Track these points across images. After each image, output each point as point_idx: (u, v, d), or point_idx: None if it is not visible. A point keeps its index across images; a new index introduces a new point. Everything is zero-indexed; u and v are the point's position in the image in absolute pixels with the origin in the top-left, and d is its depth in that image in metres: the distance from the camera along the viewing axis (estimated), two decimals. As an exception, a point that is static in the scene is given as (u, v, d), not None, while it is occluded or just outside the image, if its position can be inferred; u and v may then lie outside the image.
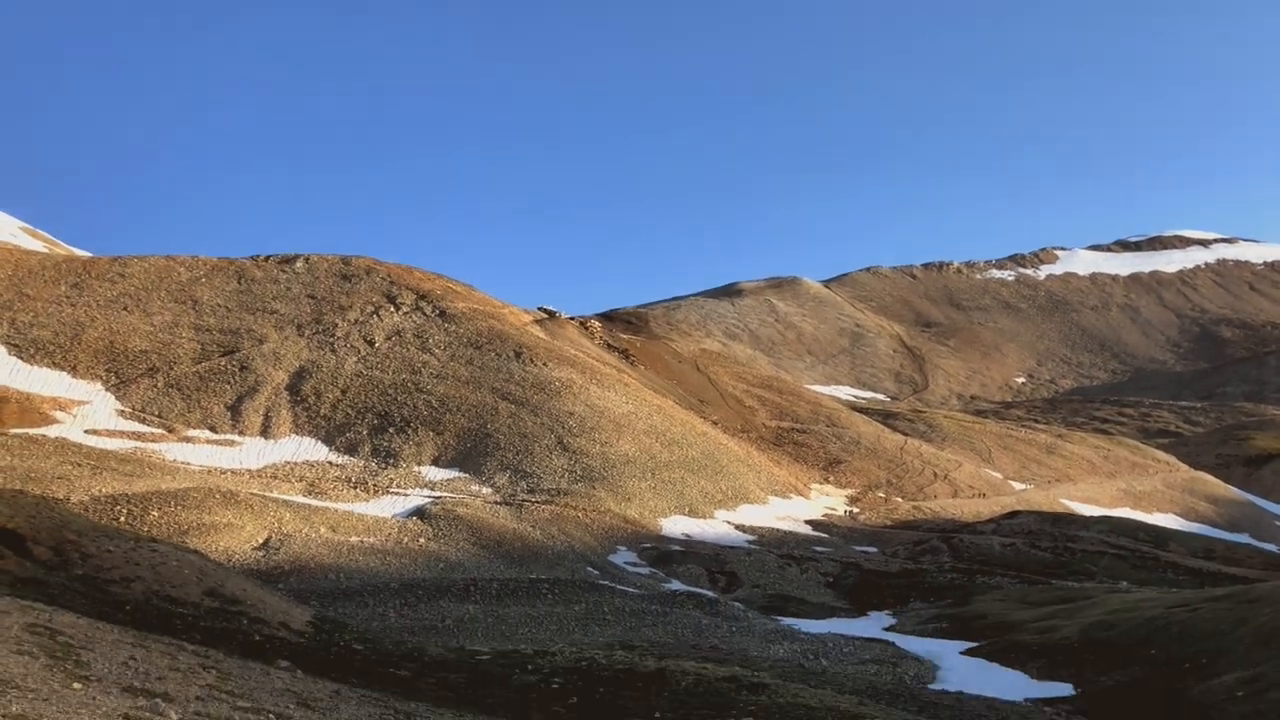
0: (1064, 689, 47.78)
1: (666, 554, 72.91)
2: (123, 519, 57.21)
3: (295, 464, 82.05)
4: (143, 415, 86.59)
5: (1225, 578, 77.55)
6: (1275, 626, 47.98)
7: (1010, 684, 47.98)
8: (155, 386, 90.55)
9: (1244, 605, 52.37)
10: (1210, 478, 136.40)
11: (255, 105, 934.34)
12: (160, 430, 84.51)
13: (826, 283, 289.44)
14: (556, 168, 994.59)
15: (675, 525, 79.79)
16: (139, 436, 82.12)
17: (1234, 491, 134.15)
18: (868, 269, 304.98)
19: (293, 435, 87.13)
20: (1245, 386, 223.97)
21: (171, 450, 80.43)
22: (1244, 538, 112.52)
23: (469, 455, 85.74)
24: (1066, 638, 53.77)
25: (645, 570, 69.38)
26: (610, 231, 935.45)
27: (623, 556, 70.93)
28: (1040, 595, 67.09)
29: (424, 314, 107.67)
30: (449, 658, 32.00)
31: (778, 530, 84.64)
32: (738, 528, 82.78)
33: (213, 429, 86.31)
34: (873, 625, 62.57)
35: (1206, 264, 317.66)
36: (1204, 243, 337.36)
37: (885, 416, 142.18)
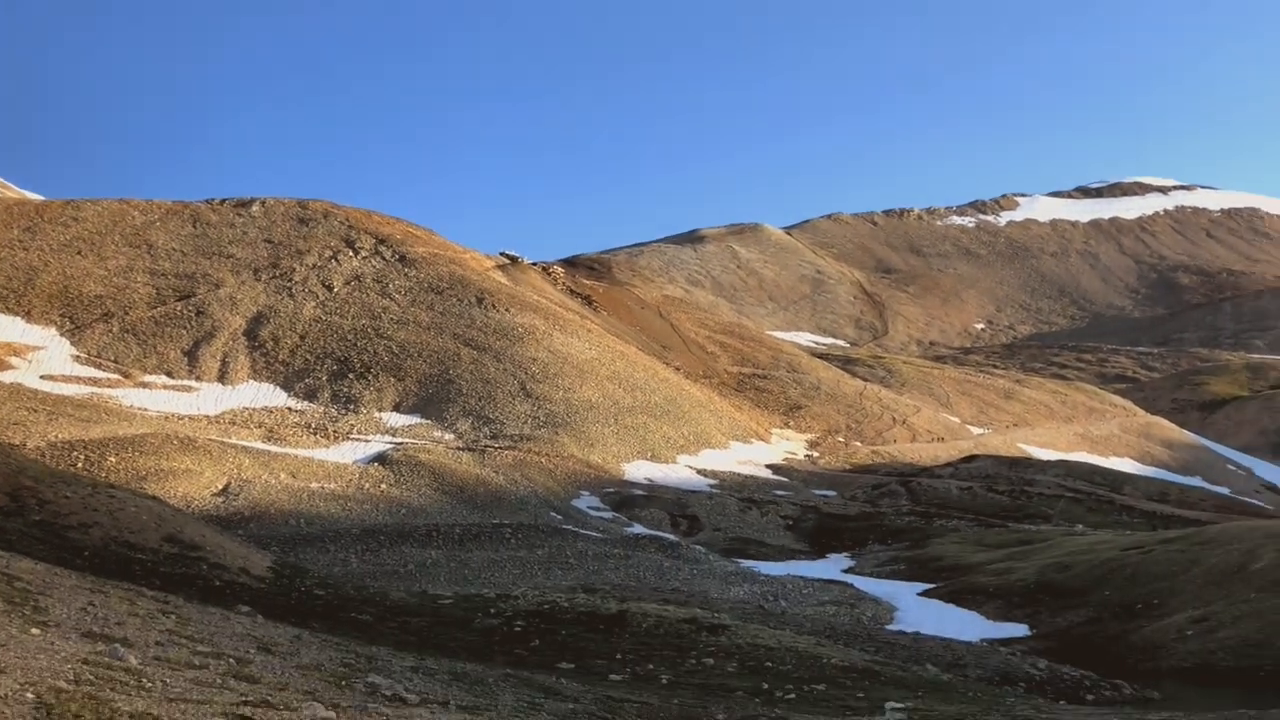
0: (1019, 629, 48.65)
1: (629, 498, 73.29)
2: (80, 465, 56.68)
3: (254, 410, 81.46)
4: (98, 361, 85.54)
5: (1179, 520, 78.97)
6: (1225, 567, 49.01)
7: (966, 624, 48.79)
8: (110, 332, 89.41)
9: (1196, 547, 53.41)
10: (1165, 422, 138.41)
11: (210, 46, 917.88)
12: (116, 376, 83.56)
13: (788, 229, 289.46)
14: (517, 111, 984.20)
15: (638, 470, 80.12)
16: (95, 382, 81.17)
17: (1188, 436, 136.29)
18: (829, 216, 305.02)
19: (251, 381, 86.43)
20: (1201, 332, 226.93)
21: (128, 396, 79.60)
22: (1197, 481, 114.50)
23: (431, 401, 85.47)
24: (1022, 579, 54.67)
25: (608, 514, 69.74)
26: (573, 177, 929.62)
27: (585, 501, 71.22)
28: (997, 538, 68.10)
29: (384, 259, 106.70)
30: (411, 602, 32.03)
31: (739, 474, 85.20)
32: (699, 472, 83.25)
33: (169, 374, 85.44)
34: (831, 567, 63.32)
35: (1165, 211, 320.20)
36: (1163, 189, 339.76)
37: (845, 362, 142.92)
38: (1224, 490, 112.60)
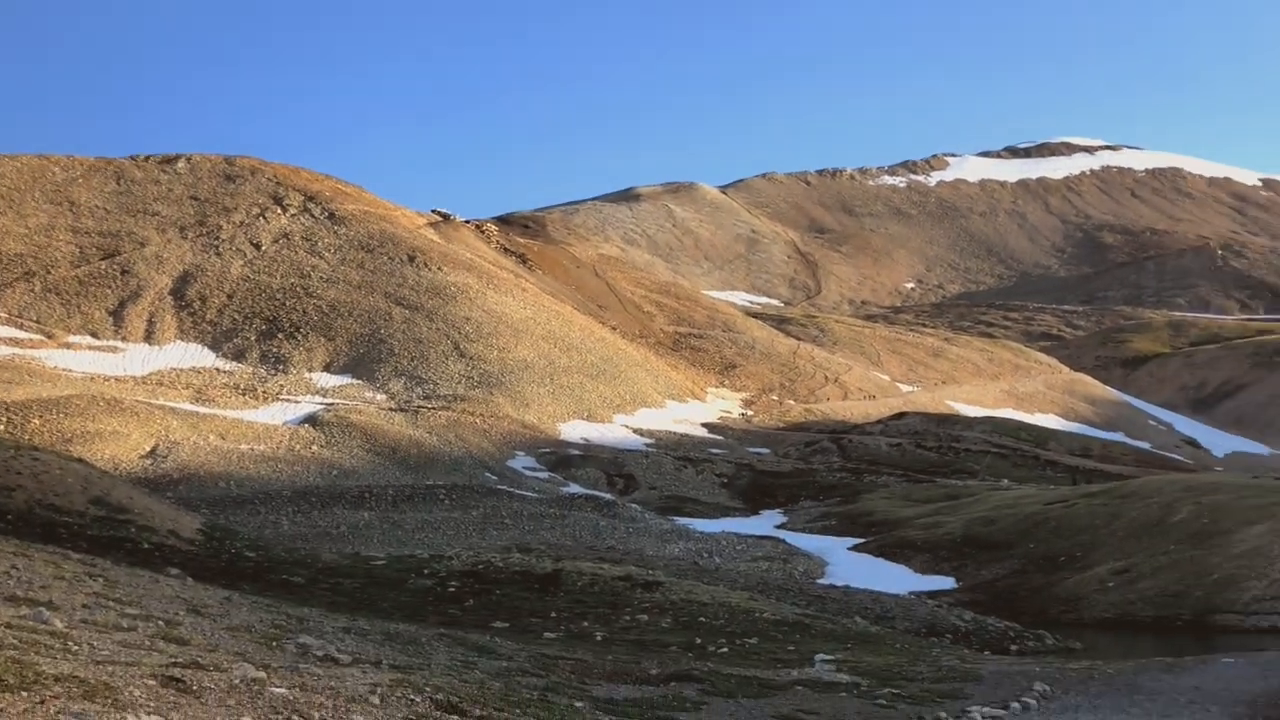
0: (946, 582, 49.66)
1: (565, 458, 73.40)
2: (2, 427, 55.49)
3: (181, 370, 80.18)
4: (19, 321, 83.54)
5: (1101, 475, 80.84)
6: (1145, 521, 50.35)
7: (896, 578, 49.69)
8: (32, 291, 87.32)
9: (1117, 501, 54.79)
10: (1089, 379, 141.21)
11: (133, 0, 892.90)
12: (39, 336, 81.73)
13: (724, 189, 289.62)
14: (449, 65, 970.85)
15: (574, 430, 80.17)
16: (16, 343, 79.28)
17: (1111, 392, 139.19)
18: (764, 175, 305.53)
19: (178, 341, 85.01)
20: (1125, 291, 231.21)
21: (52, 357, 77.91)
22: (1120, 436, 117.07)
23: (362, 361, 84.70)
24: (950, 533, 55.74)
25: (544, 474, 69.80)
26: (506, 132, 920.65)
27: (521, 461, 71.19)
28: (925, 493, 69.30)
29: (312, 216, 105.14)
30: (343, 563, 31.89)
31: (674, 433, 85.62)
32: (635, 431, 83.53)
33: (94, 335, 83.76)
34: (765, 523, 64.07)
35: (1091, 171, 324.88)
36: (1089, 150, 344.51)
37: (779, 321, 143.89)
38: (1145, 445, 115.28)
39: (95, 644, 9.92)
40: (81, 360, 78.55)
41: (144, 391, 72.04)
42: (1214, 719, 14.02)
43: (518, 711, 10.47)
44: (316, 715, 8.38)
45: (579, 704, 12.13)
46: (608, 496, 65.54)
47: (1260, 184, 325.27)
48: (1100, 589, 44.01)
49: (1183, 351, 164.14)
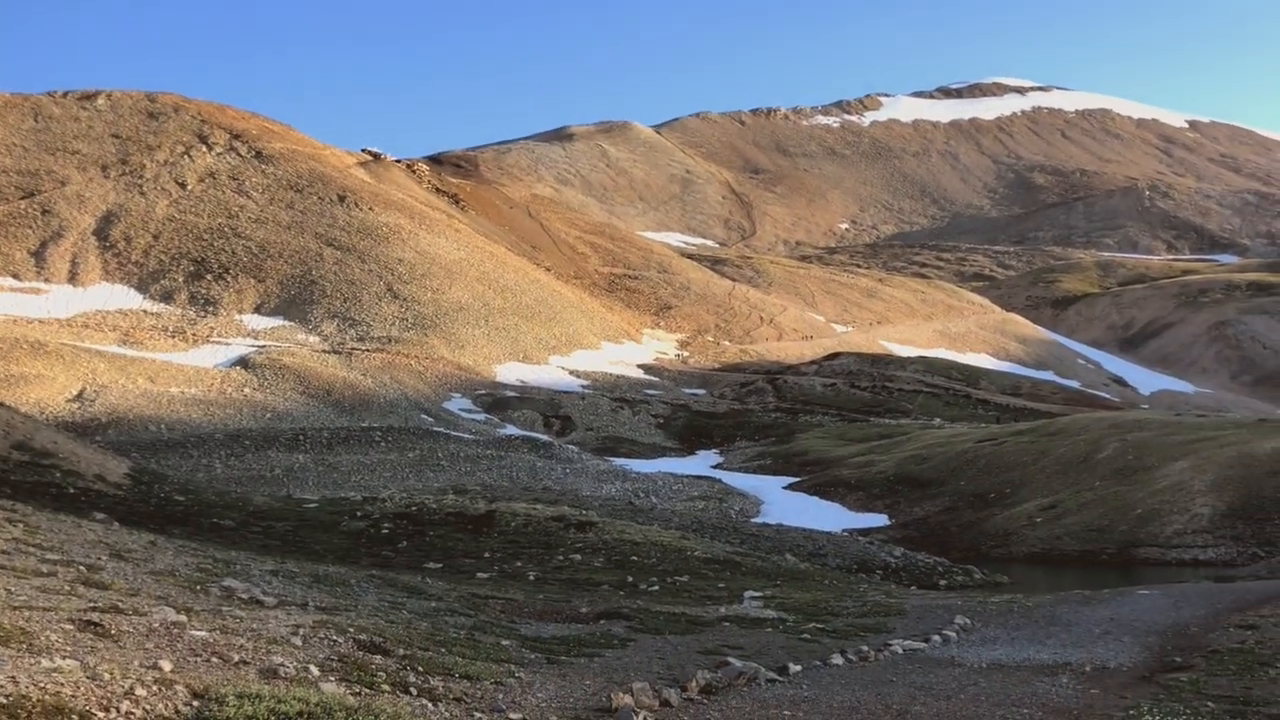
0: (880, 519, 50.53)
1: (501, 400, 73.29)
2: (-81, 373, 54.17)
3: (108, 313, 78.61)
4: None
5: (1030, 413, 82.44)
6: (1072, 457, 51.52)
7: (830, 516, 50.44)
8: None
9: (1045, 438, 55.97)
10: (1020, 319, 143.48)
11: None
12: (-44, 279, 79.62)
13: (658, 128, 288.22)
14: (373, 1, 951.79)
15: (510, 371, 79.99)
16: (-67, 286, 77.25)
17: (1041, 332, 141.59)
18: (698, 114, 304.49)
19: (103, 283, 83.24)
20: (1055, 231, 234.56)
21: (-30, 300, 76.01)
22: (1049, 375, 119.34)
23: (293, 303, 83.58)
24: (883, 472, 56.65)
25: (480, 416, 69.67)
26: (434, 67, 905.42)
27: (457, 403, 70.96)
28: (859, 432, 70.27)
29: (239, 155, 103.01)
30: (275, 506, 31.64)
31: (611, 374, 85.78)
32: (572, 373, 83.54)
33: (16, 276, 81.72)
34: (701, 464, 64.64)
35: (1022, 111, 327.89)
36: (1020, 90, 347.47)
37: (714, 263, 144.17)
38: (1074, 384, 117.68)
39: (12, 589, 9.76)
40: (3, 302, 76.71)
41: (69, 334, 70.58)
42: (1126, 648, 14.44)
43: (443, 650, 10.50)
44: (236, 657, 8.33)
45: (505, 642, 12.19)
46: (544, 438, 65.63)
47: (1187, 125, 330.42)
48: (1029, 524, 45.04)
49: (1111, 291, 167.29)
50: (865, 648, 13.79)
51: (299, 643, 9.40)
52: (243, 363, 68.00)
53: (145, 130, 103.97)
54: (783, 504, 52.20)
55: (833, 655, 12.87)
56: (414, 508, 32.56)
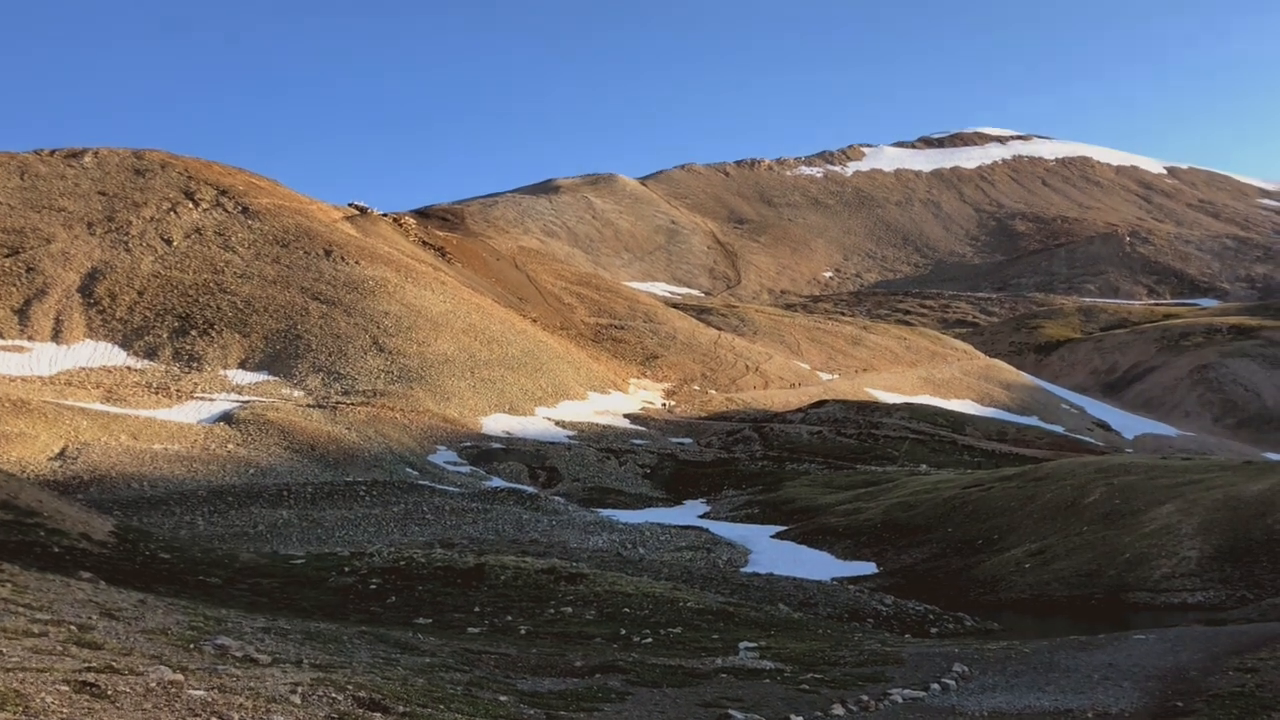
0: (868, 567, 50.32)
1: (487, 452, 73.02)
2: (-99, 432, 53.74)
3: (91, 370, 78.26)
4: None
5: (1016, 459, 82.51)
6: (1060, 503, 51.49)
7: (818, 564, 50.22)
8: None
9: (1032, 484, 55.94)
10: (1004, 365, 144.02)
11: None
12: (-61, 337, 79.24)
13: (643, 180, 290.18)
14: (365, 56, 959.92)
15: (496, 423, 79.78)
16: (-85, 344, 76.82)
17: (1025, 377, 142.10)
18: (683, 166, 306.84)
19: (87, 340, 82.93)
20: (1037, 277, 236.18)
21: (-47, 358, 75.59)
22: (1034, 420, 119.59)
23: (278, 357, 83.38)
24: (870, 519, 56.49)
25: (466, 469, 69.36)
26: (421, 121, 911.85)
27: (443, 456, 70.67)
28: (846, 479, 70.15)
29: (225, 210, 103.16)
30: (262, 563, 31.38)
31: (597, 425, 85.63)
32: (558, 424, 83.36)
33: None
34: (688, 513, 64.37)
35: (1004, 160, 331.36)
36: (1001, 139, 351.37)
37: (700, 312, 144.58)
38: (1059, 429, 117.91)
39: (4, 650, 9.65)
40: (-14, 360, 76.32)
41: (52, 392, 70.19)
42: (1127, 694, 14.39)
43: (442, 707, 10.40)
44: (236, 716, 8.24)
45: (504, 698, 12.08)
46: (530, 490, 65.36)
47: (1165, 172, 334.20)
48: (1017, 570, 44.92)
49: (1093, 336, 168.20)
50: (865, 697, 13.71)
51: (298, 701, 9.30)
52: (226, 418, 67.68)
53: (132, 187, 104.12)
54: (771, 553, 51.97)
55: (833, 706, 12.79)
56: (402, 562, 32.31)
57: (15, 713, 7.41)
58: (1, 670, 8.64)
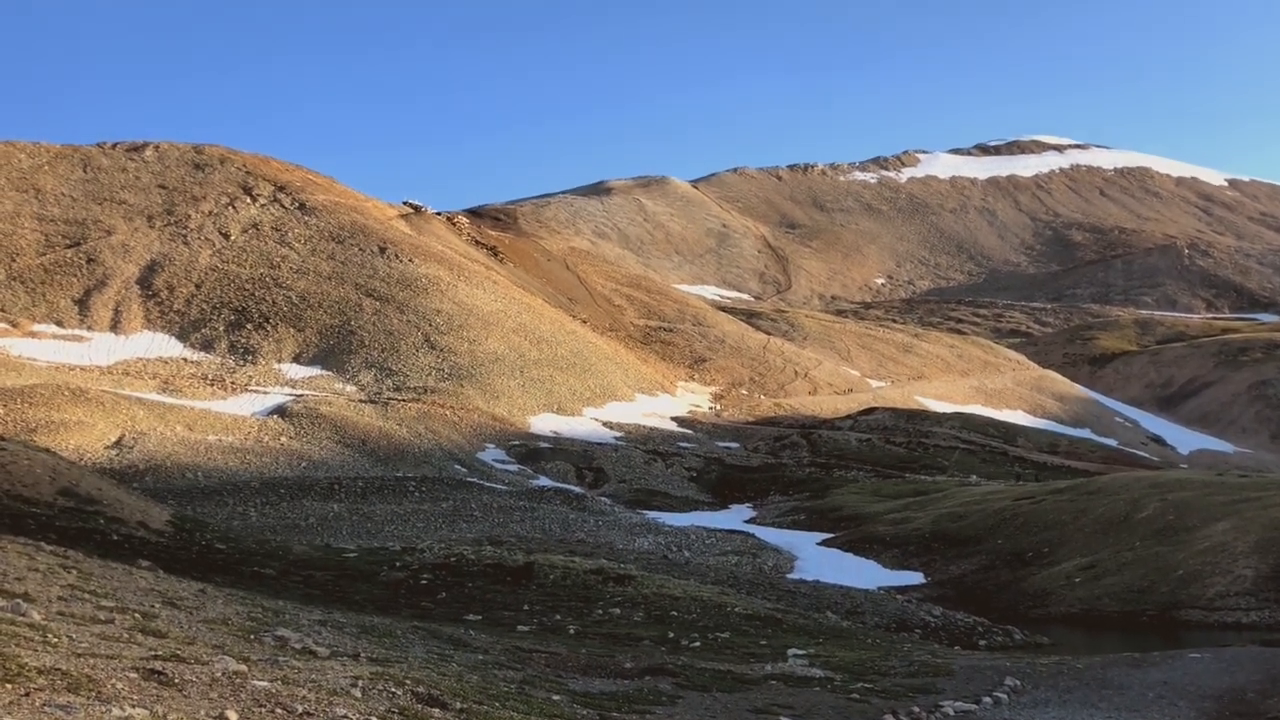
0: (915, 577, 49.99)
1: (535, 451, 73.36)
2: (-35, 417, 54.89)
3: (148, 360, 79.55)
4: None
5: (1068, 471, 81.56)
6: (1112, 517, 50.89)
7: (865, 573, 49.96)
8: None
9: (1084, 497, 55.32)
10: (1057, 376, 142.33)
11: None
12: (4, 325, 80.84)
13: (695, 183, 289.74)
14: (422, 55, 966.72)
15: (544, 423, 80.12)
16: (-20, 331, 78.44)
17: (1078, 389, 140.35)
18: (735, 170, 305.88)
19: (145, 331, 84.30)
20: (1092, 288, 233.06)
21: (16, 346, 77.11)
22: (1086, 433, 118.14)
23: (331, 352, 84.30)
24: (919, 529, 56.11)
25: (513, 467, 69.74)
26: (475, 121, 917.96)
27: (491, 454, 71.10)
28: (894, 488, 69.71)
29: (283, 206, 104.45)
30: (315, 555, 31.77)
31: (644, 427, 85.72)
32: (605, 425, 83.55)
33: (59, 324, 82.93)
34: (734, 518, 64.27)
35: (1061, 169, 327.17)
36: (1059, 148, 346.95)
37: (749, 316, 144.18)
38: (1112, 442, 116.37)
39: (74, 636, 9.88)
40: (46, 349, 77.79)
41: (110, 381, 71.43)
42: (1182, 713, 14.23)
43: (497, 704, 10.51)
44: (299, 708, 8.39)
45: (556, 697, 12.18)
46: (577, 490, 65.58)
47: (1226, 184, 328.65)
48: (1067, 584, 44.46)
49: (1149, 350, 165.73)
50: (916, 709, 13.67)
51: (359, 694, 9.45)
52: (280, 411, 68.53)
53: (191, 181, 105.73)
54: (817, 560, 51.77)
55: (884, 716, 12.77)
56: (453, 558, 32.58)
57: (88, 697, 7.59)
58: (73, 655, 8.86)
